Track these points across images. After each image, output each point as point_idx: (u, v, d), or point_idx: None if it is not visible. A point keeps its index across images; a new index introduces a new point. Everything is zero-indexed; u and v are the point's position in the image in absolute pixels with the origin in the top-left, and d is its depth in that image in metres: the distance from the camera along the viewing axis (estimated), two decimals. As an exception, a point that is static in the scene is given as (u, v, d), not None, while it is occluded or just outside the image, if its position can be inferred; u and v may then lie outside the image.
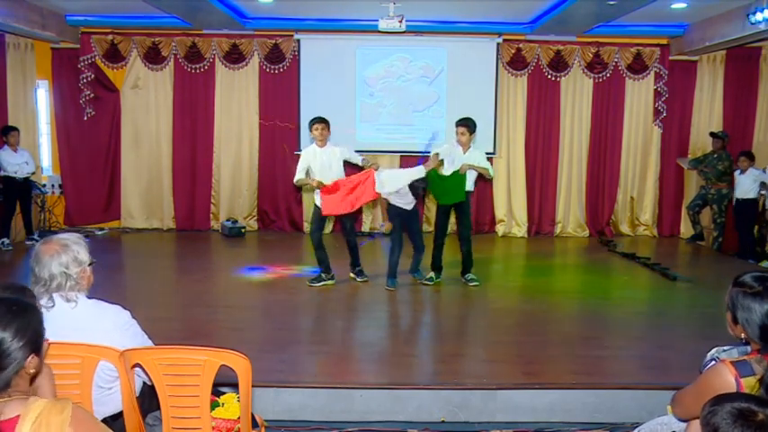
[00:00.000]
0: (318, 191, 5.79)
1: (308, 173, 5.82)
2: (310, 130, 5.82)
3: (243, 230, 8.50)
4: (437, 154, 5.85)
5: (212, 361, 2.24)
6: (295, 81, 8.59)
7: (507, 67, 8.61)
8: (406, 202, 5.82)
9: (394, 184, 5.75)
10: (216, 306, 5.30)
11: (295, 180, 5.88)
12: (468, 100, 8.32)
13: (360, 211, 6.19)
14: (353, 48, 8.57)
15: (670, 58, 8.57)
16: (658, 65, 8.58)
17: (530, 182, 8.84)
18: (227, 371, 2.27)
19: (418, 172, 5.73)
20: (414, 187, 5.71)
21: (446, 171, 5.81)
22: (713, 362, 2.10)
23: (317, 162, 5.75)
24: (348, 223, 6.00)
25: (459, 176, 5.72)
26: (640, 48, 8.54)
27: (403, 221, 5.86)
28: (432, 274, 6.06)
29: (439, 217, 6.03)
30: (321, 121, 5.76)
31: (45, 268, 2.25)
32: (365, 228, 8.79)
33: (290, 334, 4.56)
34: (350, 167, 6.03)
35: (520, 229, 8.86)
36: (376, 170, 5.73)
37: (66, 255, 2.28)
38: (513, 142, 8.78)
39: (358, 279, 6.10)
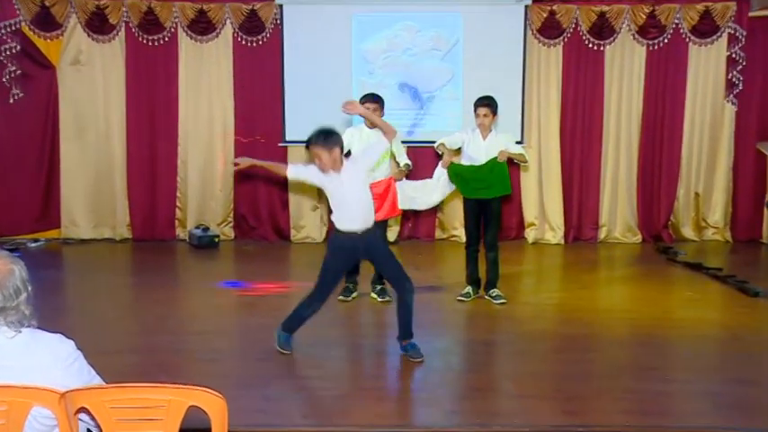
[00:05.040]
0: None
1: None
2: None
3: (216, 240, 8.50)
4: (443, 144, 5.97)
5: (179, 401, 2.22)
6: (277, 56, 8.58)
7: (538, 36, 8.60)
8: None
9: (425, 197, 6.11)
10: (183, 333, 5.28)
11: None
12: (489, 77, 8.24)
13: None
14: (348, 15, 8.56)
15: (750, 14, 8.44)
16: (733, 24, 8.46)
17: (566, 176, 8.82)
18: (197, 413, 2.24)
19: (440, 174, 5.99)
20: None
21: (464, 161, 5.95)
22: None
23: (363, 145, 5.88)
24: (378, 230, 6.00)
25: (498, 165, 5.80)
26: (709, 3, 8.43)
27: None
28: (469, 288, 6.15)
29: (469, 219, 6.08)
30: (373, 99, 5.90)
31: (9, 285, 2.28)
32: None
33: (276, 366, 4.54)
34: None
35: (555, 235, 8.84)
36: (397, 180, 5.93)
37: (17, 267, 2.31)
38: (545, 128, 8.76)
39: (379, 299, 6.11)
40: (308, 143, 4.50)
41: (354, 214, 4.60)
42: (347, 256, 4.77)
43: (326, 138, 4.46)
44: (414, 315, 4.69)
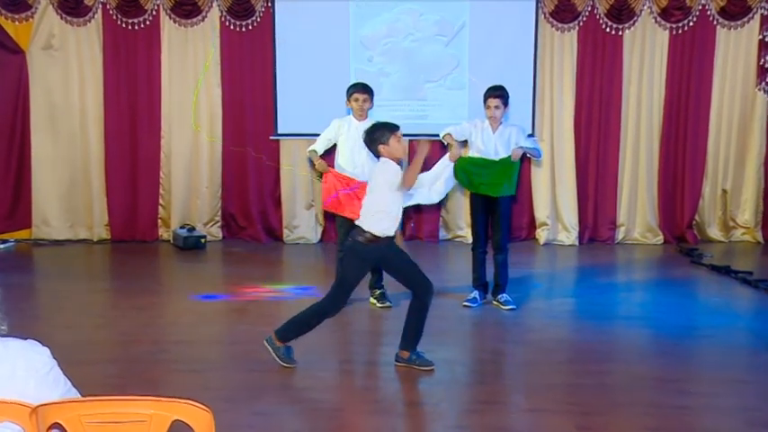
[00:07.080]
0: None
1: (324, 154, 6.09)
2: (348, 101, 6.09)
3: (203, 241, 8.50)
4: (449, 134, 5.93)
5: (162, 415, 2.20)
6: (269, 42, 8.59)
7: (551, 20, 8.61)
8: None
9: (419, 193, 6.01)
10: (166, 342, 5.28)
11: (309, 148, 6.25)
12: (497, 65, 8.30)
13: None
14: (346, -3, 8.59)
15: (787, -7, 8.45)
16: (767, 5, 8.46)
17: (581, 172, 8.83)
18: (182, 428, 2.23)
19: (444, 166, 5.84)
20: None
21: (472, 154, 5.96)
22: None
23: (351, 138, 5.98)
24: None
25: (511, 164, 5.81)
26: (741, -19, 8.44)
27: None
28: (475, 293, 6.15)
29: (477, 217, 6.09)
30: (363, 90, 6.03)
31: None
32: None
33: (267, 377, 4.53)
34: None
35: (568, 236, 8.86)
36: None
37: None
38: (558, 120, 8.78)
39: (378, 304, 6.09)
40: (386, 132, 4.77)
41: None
42: (368, 266, 4.82)
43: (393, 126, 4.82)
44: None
